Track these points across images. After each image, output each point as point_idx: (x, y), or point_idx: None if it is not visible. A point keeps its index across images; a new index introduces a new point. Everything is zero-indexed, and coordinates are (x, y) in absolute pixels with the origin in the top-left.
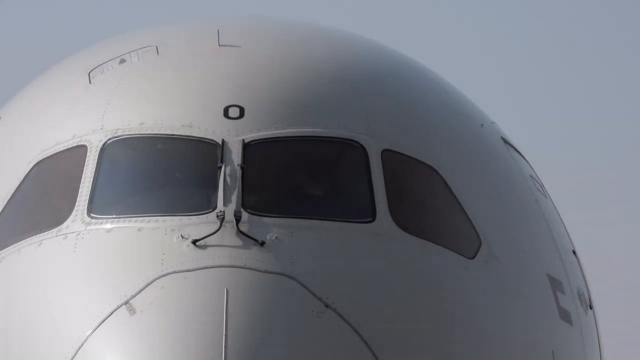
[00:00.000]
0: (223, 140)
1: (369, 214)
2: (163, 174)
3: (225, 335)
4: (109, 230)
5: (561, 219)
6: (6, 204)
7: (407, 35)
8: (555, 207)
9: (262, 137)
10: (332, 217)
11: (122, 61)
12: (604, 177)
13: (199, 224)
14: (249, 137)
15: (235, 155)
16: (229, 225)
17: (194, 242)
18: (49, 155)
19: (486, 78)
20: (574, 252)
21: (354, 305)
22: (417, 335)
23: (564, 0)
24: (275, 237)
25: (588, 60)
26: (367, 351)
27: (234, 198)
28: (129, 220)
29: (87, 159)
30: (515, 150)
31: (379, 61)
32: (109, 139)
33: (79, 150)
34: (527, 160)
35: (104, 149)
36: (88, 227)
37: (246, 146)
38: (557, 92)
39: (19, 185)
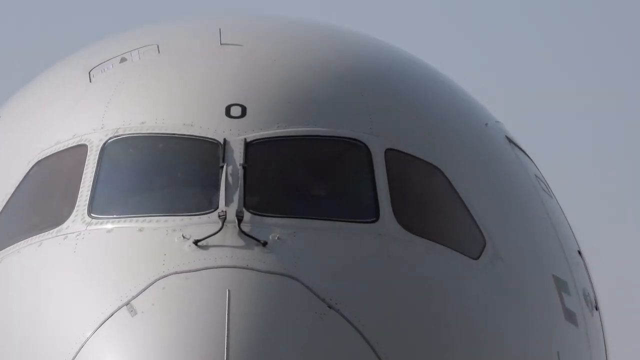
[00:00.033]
0: (225, 140)
1: (373, 214)
2: (164, 174)
3: (227, 336)
4: (109, 231)
5: (566, 219)
6: (6, 204)
7: (411, 33)
8: (561, 207)
9: (264, 137)
10: (335, 217)
11: (123, 60)
12: (609, 177)
13: (200, 224)
14: (251, 136)
15: (237, 154)
16: (231, 225)
17: (196, 242)
18: (49, 154)
19: (491, 76)
20: (579, 252)
21: (357, 306)
22: (421, 337)
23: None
24: (278, 238)
25: (601, 58)
26: (371, 352)
27: (236, 198)
28: (130, 221)
29: (87, 159)
30: (520, 149)
31: (382, 59)
32: (110, 138)
33: (80, 150)
34: (532, 160)
35: (104, 149)
36: (88, 228)
37: (248, 145)
38: (563, 91)
39: (18, 185)
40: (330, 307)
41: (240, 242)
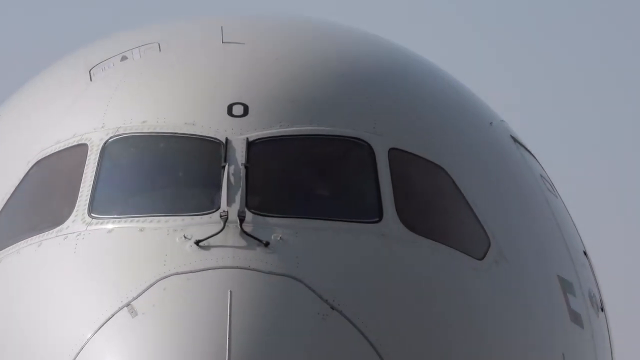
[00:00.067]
0: (227, 139)
1: (376, 214)
2: (165, 173)
3: (229, 337)
4: (110, 231)
5: (572, 220)
6: (5, 204)
7: (415, 32)
8: (566, 208)
9: (266, 136)
10: (338, 217)
11: (124, 58)
12: (615, 177)
13: (202, 224)
14: (253, 135)
15: (239, 154)
16: (233, 225)
17: (197, 242)
18: (49, 154)
19: (496, 75)
20: (585, 253)
21: (360, 307)
22: (424, 338)
23: None
24: (280, 238)
25: (607, 57)
26: (374, 353)
27: (238, 198)
28: (131, 221)
29: (87, 158)
30: (525, 149)
31: (385, 58)
32: (110, 138)
33: (80, 149)
34: (537, 159)
35: (105, 148)
36: (89, 228)
37: (250, 145)
38: (569, 89)
39: (18, 185)
40: (332, 307)
41: (242, 243)
